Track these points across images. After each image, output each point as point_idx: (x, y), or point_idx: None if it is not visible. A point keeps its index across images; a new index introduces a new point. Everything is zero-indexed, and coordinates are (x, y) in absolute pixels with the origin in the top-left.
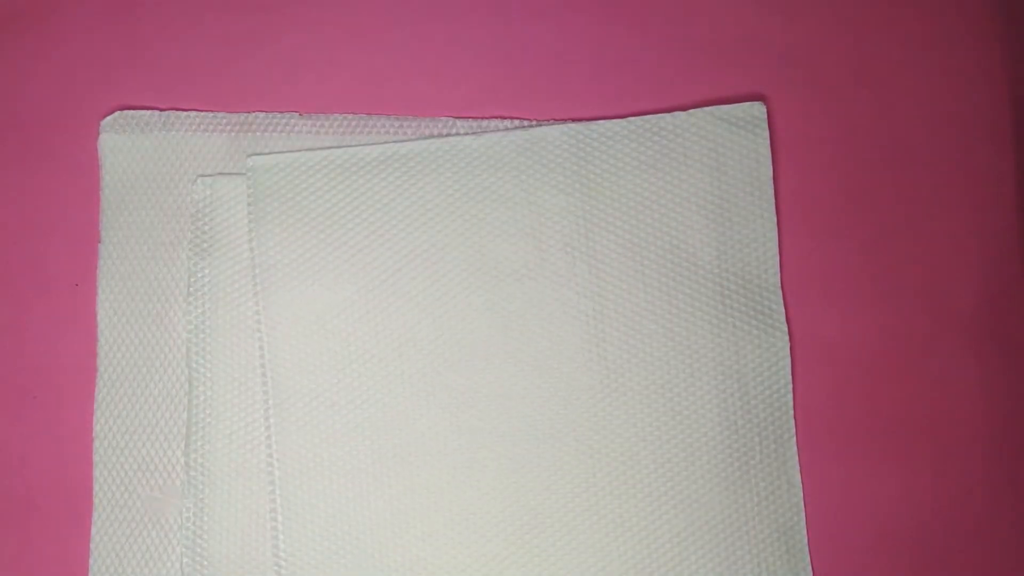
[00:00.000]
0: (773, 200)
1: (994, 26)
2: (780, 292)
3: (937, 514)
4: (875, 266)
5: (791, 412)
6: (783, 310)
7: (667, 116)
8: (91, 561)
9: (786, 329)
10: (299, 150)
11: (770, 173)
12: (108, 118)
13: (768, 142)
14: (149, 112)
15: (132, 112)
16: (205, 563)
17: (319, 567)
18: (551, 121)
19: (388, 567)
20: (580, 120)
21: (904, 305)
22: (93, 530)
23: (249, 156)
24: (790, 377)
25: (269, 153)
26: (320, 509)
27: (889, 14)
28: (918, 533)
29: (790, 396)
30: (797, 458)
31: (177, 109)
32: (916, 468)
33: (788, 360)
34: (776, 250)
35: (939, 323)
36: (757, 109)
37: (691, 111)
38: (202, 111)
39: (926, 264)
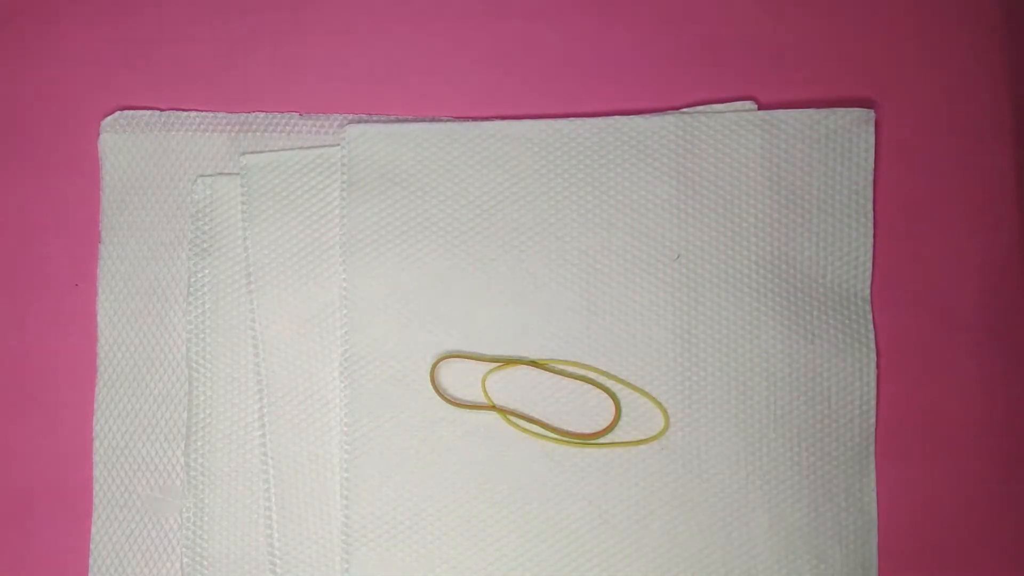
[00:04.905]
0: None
1: (994, 26)
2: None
3: (936, 513)
4: (875, 266)
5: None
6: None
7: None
8: (91, 561)
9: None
10: (295, 148)
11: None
12: (108, 118)
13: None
14: (149, 112)
15: (132, 112)
16: (205, 563)
17: (314, 564)
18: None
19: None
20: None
21: (904, 305)
22: (93, 530)
23: (243, 155)
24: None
25: (263, 152)
26: (315, 507)
27: (889, 14)
28: (917, 532)
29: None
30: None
31: (177, 109)
32: (915, 467)
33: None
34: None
35: (939, 323)
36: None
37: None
38: (202, 111)
39: (926, 264)
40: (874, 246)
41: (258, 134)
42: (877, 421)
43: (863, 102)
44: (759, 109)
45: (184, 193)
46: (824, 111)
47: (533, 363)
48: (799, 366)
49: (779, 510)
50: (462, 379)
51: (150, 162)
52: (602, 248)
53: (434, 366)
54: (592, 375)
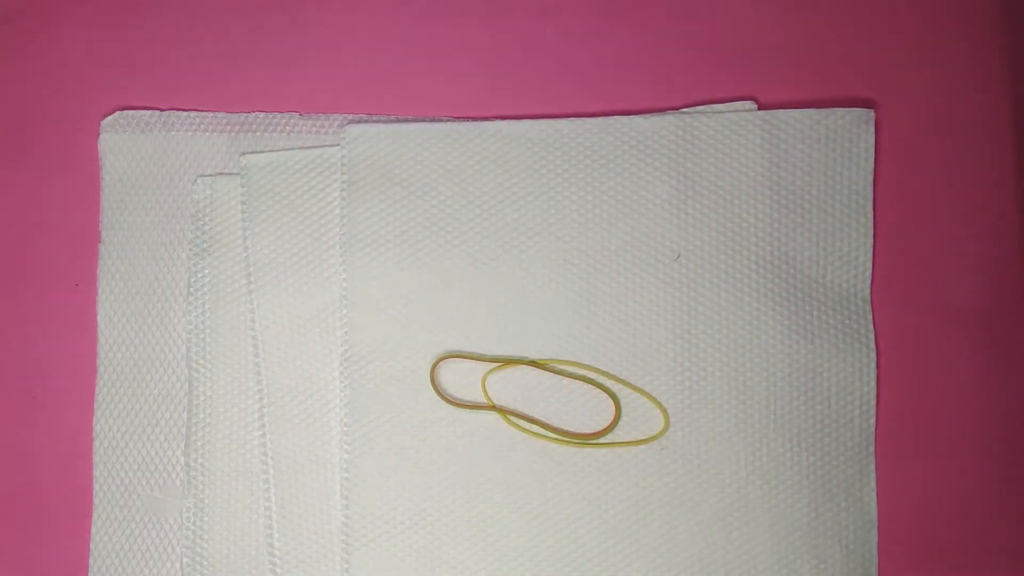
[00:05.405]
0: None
1: (994, 26)
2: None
3: (936, 513)
4: (875, 266)
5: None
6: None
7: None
8: (91, 561)
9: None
10: (295, 148)
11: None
12: (108, 118)
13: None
14: (149, 112)
15: (132, 112)
16: (205, 563)
17: (314, 564)
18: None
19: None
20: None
21: (904, 305)
22: (93, 530)
23: (243, 155)
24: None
25: (263, 152)
26: (315, 507)
27: (889, 14)
28: (917, 532)
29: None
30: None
31: (177, 109)
32: (915, 467)
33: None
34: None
35: (939, 323)
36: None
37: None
38: (202, 111)
39: (926, 264)
40: (874, 246)
41: (258, 134)
42: (877, 421)
43: (863, 102)
44: (759, 109)
45: (184, 193)
46: (824, 111)
47: (533, 363)
48: (799, 366)
49: (779, 510)
50: (462, 379)
51: (150, 162)
52: (602, 248)
53: (434, 366)
54: (592, 375)
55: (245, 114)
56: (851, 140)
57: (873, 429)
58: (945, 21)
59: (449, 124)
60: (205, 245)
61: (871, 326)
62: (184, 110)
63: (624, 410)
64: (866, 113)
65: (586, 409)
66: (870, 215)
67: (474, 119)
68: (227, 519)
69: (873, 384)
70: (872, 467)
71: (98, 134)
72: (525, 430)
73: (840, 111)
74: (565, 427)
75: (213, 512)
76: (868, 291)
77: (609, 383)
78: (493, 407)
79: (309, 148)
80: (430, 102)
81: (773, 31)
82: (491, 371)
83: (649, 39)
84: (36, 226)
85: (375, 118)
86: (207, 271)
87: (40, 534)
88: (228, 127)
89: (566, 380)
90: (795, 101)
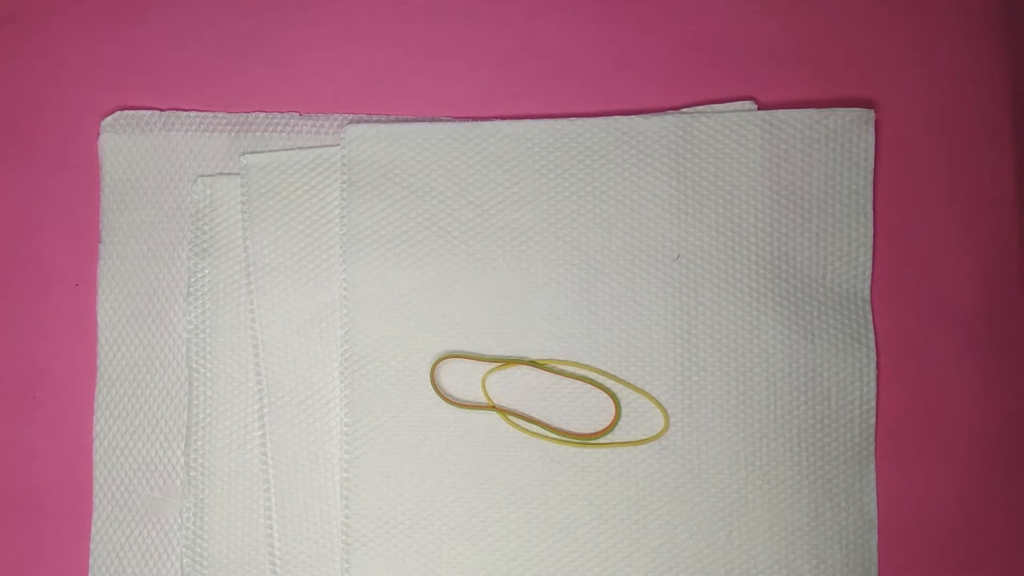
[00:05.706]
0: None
1: (994, 26)
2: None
3: (935, 513)
4: (875, 266)
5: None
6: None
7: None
8: (91, 561)
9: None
10: (296, 148)
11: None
12: (108, 118)
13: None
14: (149, 112)
15: (132, 112)
16: (205, 563)
17: (314, 564)
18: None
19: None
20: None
21: (904, 305)
22: (93, 530)
23: (243, 155)
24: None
25: (263, 152)
26: (315, 507)
27: (889, 14)
28: (917, 532)
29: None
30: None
31: (177, 109)
32: (915, 467)
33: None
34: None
35: (939, 323)
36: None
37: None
38: (202, 111)
39: (926, 264)
40: (874, 246)
41: (258, 134)
42: (877, 421)
43: (863, 102)
44: (759, 109)
45: (184, 193)
46: (824, 111)
47: (533, 363)
48: (799, 366)
49: (779, 510)
50: (462, 379)
51: (150, 162)
52: (602, 248)
53: (434, 366)
54: (592, 375)
55: (245, 114)
56: (851, 140)
57: (873, 429)
58: (945, 21)
59: (449, 124)
60: (205, 245)
61: (871, 326)
62: (184, 110)
63: (624, 410)
64: (866, 113)
65: (586, 409)
66: (870, 215)
67: (474, 119)
68: (227, 519)
69: (873, 384)
70: (872, 467)
71: (98, 134)
72: (525, 430)
73: (840, 111)
74: (565, 427)
75: (213, 512)
76: (868, 291)
77: (609, 383)
78: (493, 407)
79: (309, 148)
80: (430, 102)
81: (773, 31)
82: (491, 371)
83: (649, 39)
84: (36, 226)
85: (375, 118)
86: (207, 271)
87: (40, 534)
88: (228, 127)
89: (566, 380)
90: (795, 101)
